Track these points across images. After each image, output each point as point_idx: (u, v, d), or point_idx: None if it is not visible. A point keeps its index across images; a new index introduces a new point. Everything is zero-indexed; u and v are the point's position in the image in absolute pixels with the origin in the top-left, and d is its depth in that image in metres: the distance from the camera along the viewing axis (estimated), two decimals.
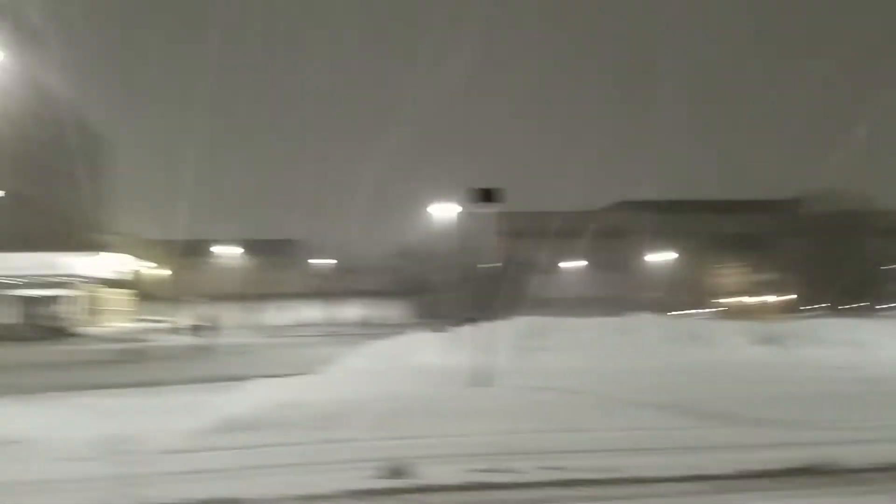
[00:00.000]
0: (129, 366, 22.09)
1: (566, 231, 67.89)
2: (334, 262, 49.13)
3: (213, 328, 33.21)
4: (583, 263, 59.03)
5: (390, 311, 46.66)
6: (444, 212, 35.59)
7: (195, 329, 37.03)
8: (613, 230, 60.05)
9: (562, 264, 57.90)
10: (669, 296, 48.27)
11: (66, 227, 63.08)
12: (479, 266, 43.68)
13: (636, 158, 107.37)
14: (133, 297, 54.25)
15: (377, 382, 9.91)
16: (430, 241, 47.15)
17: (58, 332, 40.64)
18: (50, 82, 65.12)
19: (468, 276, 39.45)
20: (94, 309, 51.53)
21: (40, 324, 44.28)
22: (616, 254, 59.45)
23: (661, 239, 56.55)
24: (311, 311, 47.38)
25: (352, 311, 47.48)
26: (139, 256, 54.54)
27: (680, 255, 56.21)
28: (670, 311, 33.78)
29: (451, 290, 43.98)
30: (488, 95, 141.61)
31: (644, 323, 15.58)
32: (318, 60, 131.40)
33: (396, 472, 6.46)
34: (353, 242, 50.74)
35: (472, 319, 39.32)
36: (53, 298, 49.76)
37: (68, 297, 49.83)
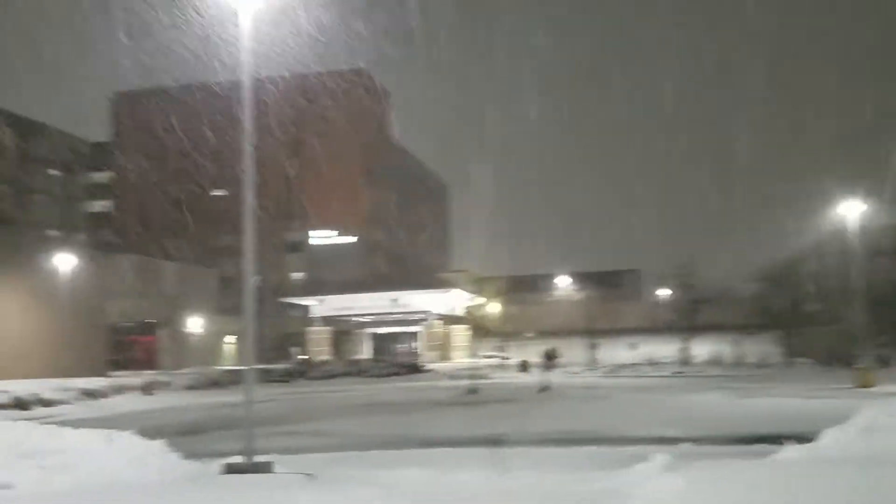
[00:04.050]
0: (468, 409, 19.63)
1: None
2: (681, 291, 43.34)
3: (551, 365, 30.34)
4: None
5: (752, 347, 39.27)
6: (832, 221, 28.38)
7: (533, 366, 34.78)
8: None
9: None
10: None
11: (412, 267, 66.93)
12: (866, 291, 34.22)
13: None
14: (470, 333, 54.57)
15: None
16: (804, 262, 38.90)
17: (406, 368, 41.42)
18: (399, 137, 70.62)
19: (859, 303, 30.90)
20: (438, 345, 52.68)
21: (390, 360, 45.99)
22: None
23: None
24: (656, 348, 42.08)
25: (704, 347, 41.11)
26: (475, 293, 54.84)
27: None
28: None
29: (835, 322, 35.32)
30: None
31: None
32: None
33: None
34: (702, 269, 44.24)
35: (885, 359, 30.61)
36: (402, 335, 51.99)
37: (416, 333, 51.65)
